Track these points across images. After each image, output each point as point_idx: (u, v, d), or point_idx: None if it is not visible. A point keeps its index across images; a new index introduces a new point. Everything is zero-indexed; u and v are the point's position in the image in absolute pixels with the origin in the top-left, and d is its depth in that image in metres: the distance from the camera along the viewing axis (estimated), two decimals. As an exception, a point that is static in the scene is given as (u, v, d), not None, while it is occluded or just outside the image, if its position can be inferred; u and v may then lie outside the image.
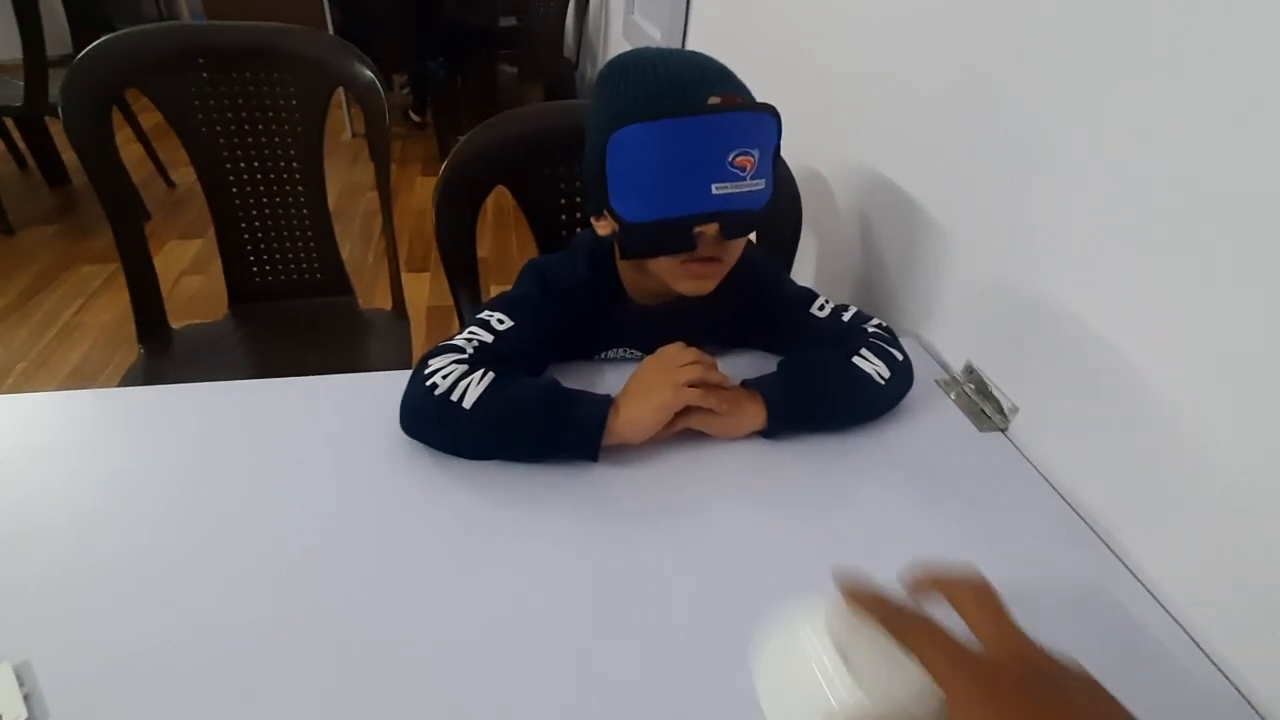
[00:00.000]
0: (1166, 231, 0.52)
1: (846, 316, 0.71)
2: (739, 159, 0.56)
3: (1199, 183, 0.49)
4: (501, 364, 0.59)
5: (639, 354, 0.73)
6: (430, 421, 0.58)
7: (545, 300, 0.67)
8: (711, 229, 0.59)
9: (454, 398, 0.56)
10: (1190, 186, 0.50)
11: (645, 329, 0.70)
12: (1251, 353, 0.46)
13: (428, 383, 0.57)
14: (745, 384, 0.64)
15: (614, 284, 0.70)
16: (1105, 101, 0.56)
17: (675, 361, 0.61)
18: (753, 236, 0.63)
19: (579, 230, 0.90)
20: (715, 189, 0.56)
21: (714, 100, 0.56)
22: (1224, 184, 0.47)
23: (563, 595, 0.48)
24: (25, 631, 0.42)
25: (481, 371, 0.58)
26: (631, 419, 0.58)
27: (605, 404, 0.59)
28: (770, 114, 0.58)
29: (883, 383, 0.65)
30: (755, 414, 0.62)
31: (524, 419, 0.57)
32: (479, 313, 0.65)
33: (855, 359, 0.65)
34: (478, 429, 0.56)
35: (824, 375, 0.66)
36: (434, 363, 0.58)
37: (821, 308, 0.72)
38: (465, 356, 0.60)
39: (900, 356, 0.68)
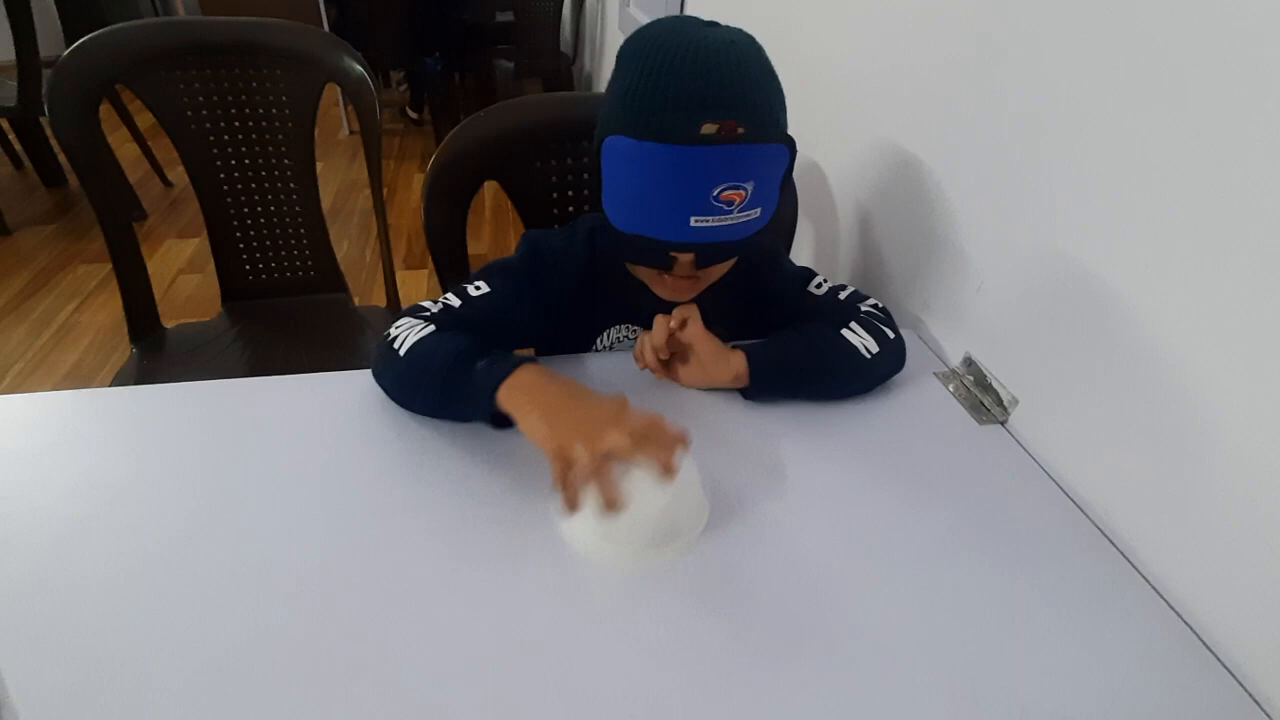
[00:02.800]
0: (1171, 216, 0.50)
1: (843, 295, 0.71)
2: (725, 193, 0.53)
3: (1208, 169, 0.48)
4: (469, 329, 0.59)
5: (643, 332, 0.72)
6: (379, 367, 0.61)
7: (532, 270, 0.67)
8: (687, 256, 0.58)
9: (395, 345, 0.58)
10: (1199, 172, 0.48)
11: (647, 307, 0.69)
12: (1267, 337, 0.45)
13: (386, 332, 0.60)
14: (732, 346, 0.64)
15: (615, 260, 0.69)
16: (1108, 90, 0.55)
17: (614, 418, 0.49)
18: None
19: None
20: (694, 221, 0.54)
21: (709, 128, 0.52)
22: (1236, 169, 0.46)
23: (561, 590, 0.47)
24: (2, 639, 0.41)
25: (423, 324, 0.59)
26: (522, 425, 0.52)
27: (511, 365, 0.54)
28: (779, 143, 0.55)
29: (869, 356, 0.64)
30: (735, 365, 0.62)
31: (434, 367, 0.56)
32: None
33: (843, 330, 0.65)
34: (403, 375, 0.58)
35: (808, 340, 0.65)
36: (401, 320, 0.60)
37: (819, 286, 0.72)
38: (428, 315, 0.61)
39: (892, 335, 0.67)
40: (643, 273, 0.65)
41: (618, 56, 0.58)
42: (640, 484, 0.48)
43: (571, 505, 0.47)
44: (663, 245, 0.57)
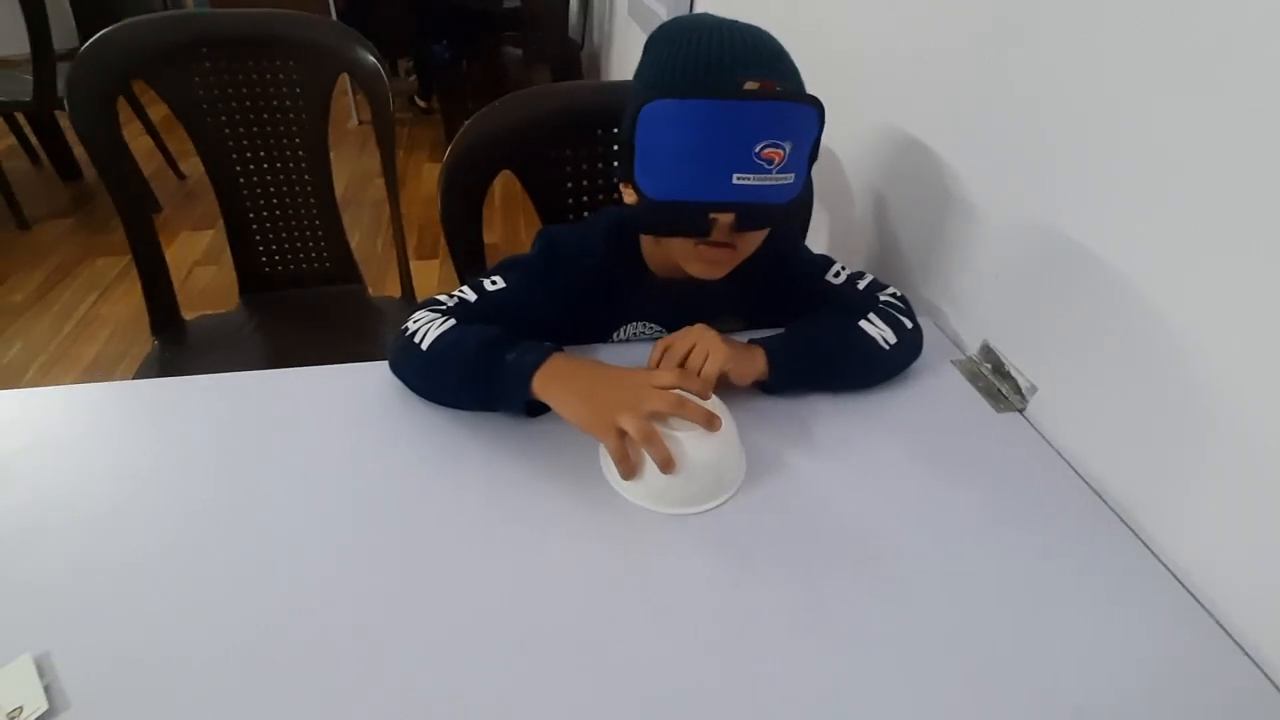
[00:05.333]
0: (1190, 203, 0.50)
1: (862, 284, 0.71)
2: (766, 150, 0.54)
3: (1226, 157, 0.47)
4: (485, 323, 0.60)
5: (659, 329, 0.73)
6: (398, 359, 0.62)
7: (547, 267, 0.67)
8: (727, 218, 0.57)
9: (416, 339, 0.59)
10: (1217, 160, 0.48)
11: (664, 304, 0.69)
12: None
13: (403, 325, 0.61)
14: (750, 341, 0.64)
15: (633, 256, 0.69)
16: (1123, 78, 0.54)
17: (647, 382, 0.54)
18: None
19: (586, 213, 0.89)
20: (736, 179, 0.54)
21: (750, 85, 0.54)
22: (1254, 158, 0.45)
23: (574, 583, 0.48)
24: (46, 623, 0.43)
25: (441, 318, 0.60)
26: (563, 410, 0.54)
27: (542, 353, 0.56)
28: (812, 106, 0.56)
29: (887, 348, 0.65)
30: (757, 363, 0.62)
31: (463, 358, 0.57)
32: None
33: (862, 322, 0.65)
34: (428, 368, 0.59)
35: (827, 334, 0.66)
36: (417, 314, 0.62)
37: (837, 274, 0.72)
38: (444, 309, 0.62)
39: (910, 325, 0.67)
40: (676, 248, 0.63)
41: (645, 46, 0.59)
42: (687, 442, 0.52)
43: (633, 473, 0.53)
44: (703, 207, 0.56)
